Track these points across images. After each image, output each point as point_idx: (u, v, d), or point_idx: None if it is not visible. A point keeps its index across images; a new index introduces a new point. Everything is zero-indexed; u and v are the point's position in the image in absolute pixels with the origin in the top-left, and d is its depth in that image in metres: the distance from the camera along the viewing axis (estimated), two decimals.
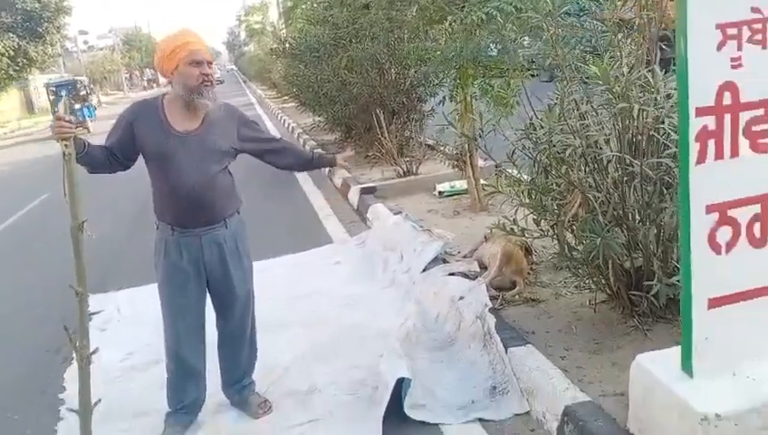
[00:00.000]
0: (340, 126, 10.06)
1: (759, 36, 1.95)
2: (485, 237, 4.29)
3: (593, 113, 3.03)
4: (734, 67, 1.94)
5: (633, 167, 2.87)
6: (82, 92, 23.61)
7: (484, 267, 4.01)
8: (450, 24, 5.13)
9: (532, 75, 4.79)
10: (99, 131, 16.12)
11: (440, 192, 6.50)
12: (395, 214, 5.48)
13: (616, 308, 3.24)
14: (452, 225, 5.34)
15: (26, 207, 9.33)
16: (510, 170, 3.41)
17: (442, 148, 6.77)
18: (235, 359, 2.99)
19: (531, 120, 3.38)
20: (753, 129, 2.00)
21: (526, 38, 4.09)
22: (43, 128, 26.48)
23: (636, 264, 3.07)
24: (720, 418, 1.94)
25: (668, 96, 2.73)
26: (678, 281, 2.11)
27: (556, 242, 3.30)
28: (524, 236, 3.47)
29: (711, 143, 1.96)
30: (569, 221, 3.09)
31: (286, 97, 18.28)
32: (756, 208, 2.05)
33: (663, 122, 2.72)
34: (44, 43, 28.19)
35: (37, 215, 8.82)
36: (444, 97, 5.67)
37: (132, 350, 3.81)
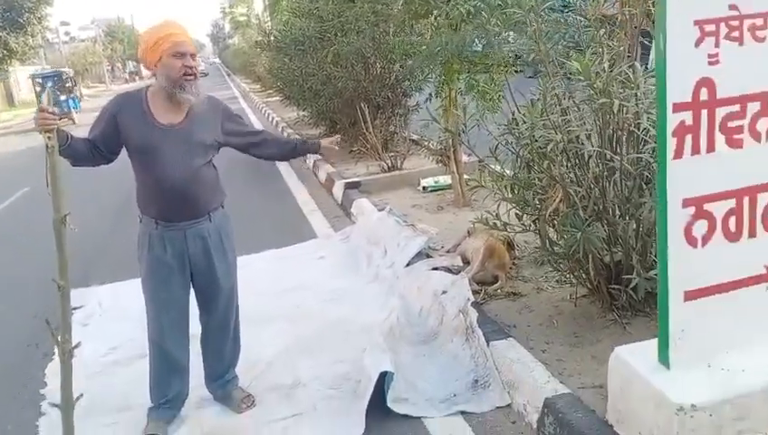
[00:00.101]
0: (324, 120, 10.03)
1: (736, 33, 1.98)
2: (468, 232, 4.32)
3: (575, 109, 3.06)
4: (711, 63, 1.97)
5: (613, 162, 2.91)
6: (68, 84, 23.89)
7: (467, 262, 4.04)
8: (435, 18, 5.15)
9: (517, 71, 4.82)
10: (84, 123, 15.91)
11: (424, 187, 6.53)
12: (379, 210, 5.49)
13: (596, 302, 3.28)
14: (436, 220, 5.37)
15: (7, 201, 9.22)
16: (493, 166, 3.44)
17: (426, 143, 6.80)
18: (219, 353, 2.99)
19: (513, 114, 3.41)
20: (729, 124, 2.04)
21: (511, 33, 4.11)
22: (23, 120, 26.10)
23: (615, 258, 3.11)
24: (695, 408, 1.99)
25: (648, 92, 2.77)
26: (656, 275, 2.15)
27: (538, 237, 3.34)
28: (507, 230, 3.51)
29: (688, 138, 1.99)
30: (550, 216, 3.12)
31: (271, 91, 18.19)
32: (731, 203, 2.10)
33: (643, 118, 2.75)
34: (25, 35, 27.82)
35: (18, 208, 8.71)
36: (430, 94, 5.68)
37: (115, 344, 3.78)
